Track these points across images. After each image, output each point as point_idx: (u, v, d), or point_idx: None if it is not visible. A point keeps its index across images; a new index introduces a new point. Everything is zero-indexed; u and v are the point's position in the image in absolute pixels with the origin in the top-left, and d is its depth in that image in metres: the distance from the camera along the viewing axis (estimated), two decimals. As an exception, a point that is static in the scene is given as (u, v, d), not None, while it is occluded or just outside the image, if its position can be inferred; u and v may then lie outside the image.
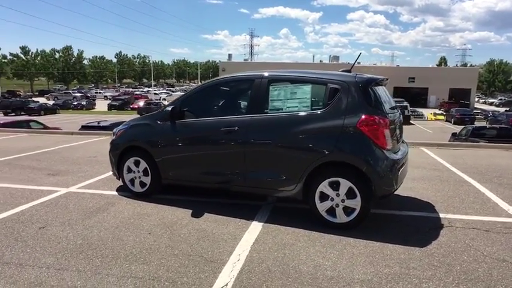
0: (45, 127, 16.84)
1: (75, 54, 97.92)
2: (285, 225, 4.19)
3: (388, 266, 3.31)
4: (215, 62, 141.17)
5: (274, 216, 4.51)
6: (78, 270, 3.18)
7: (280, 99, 4.38)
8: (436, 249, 3.64)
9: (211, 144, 4.68)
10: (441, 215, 4.59)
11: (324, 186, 4.09)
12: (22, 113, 39.81)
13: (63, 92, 74.15)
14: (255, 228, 4.15)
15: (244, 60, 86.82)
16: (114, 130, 5.58)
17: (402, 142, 4.96)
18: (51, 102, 52.72)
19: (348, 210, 4.05)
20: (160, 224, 4.23)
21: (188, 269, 3.23)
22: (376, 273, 3.18)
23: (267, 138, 4.34)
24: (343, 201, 4.04)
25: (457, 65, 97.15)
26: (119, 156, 5.28)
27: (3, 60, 78.81)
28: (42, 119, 26.05)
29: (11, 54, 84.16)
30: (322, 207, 4.13)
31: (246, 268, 3.25)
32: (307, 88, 4.29)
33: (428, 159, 8.14)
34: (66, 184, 5.86)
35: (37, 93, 79.78)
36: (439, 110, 49.80)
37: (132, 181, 5.24)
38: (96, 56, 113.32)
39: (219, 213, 4.57)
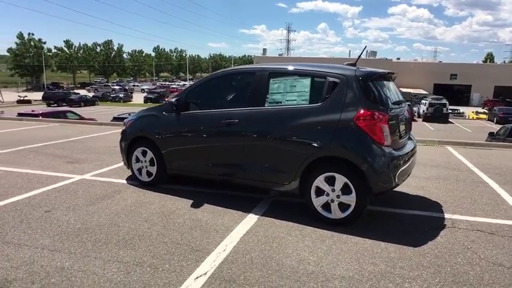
0: (81, 118, 17.61)
1: (115, 48, 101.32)
2: (280, 219, 4.18)
3: (374, 263, 3.24)
4: (251, 56, 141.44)
5: (272, 209, 4.51)
6: (69, 252, 3.33)
7: (280, 93, 4.35)
8: (430, 250, 3.51)
9: (212, 136, 4.73)
10: (446, 216, 4.41)
11: (319, 181, 4.03)
12: (64, 104, 41.78)
13: (103, 84, 77.09)
14: (250, 220, 4.16)
15: (279, 55, 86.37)
16: (125, 120, 5.76)
17: (410, 138, 4.80)
18: (91, 94, 54.94)
19: (343, 206, 3.97)
20: (159, 213, 4.33)
21: (173, 256, 3.30)
22: (360, 270, 3.12)
23: (264, 131, 4.34)
24: (338, 196, 3.97)
25: (504, 62, 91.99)
26: (128, 146, 5.45)
27: (49, 54, 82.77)
28: (80, 110, 27.25)
29: (55, 48, 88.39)
30: (317, 202, 4.09)
31: (229, 258, 3.28)
32: (307, 81, 4.23)
33: (451, 158, 7.81)
34: (82, 171, 6.11)
35: (79, 85, 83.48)
36: (482, 108, 47.50)
37: (139, 170, 5.39)
38: (135, 50, 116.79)
39: (218, 204, 4.62)
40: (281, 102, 4.32)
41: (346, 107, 3.94)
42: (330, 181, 3.99)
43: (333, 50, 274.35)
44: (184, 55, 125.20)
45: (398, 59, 70.30)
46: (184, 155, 4.97)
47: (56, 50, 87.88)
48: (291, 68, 4.44)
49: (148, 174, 5.32)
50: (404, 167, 4.20)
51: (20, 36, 75.53)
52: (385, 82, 4.42)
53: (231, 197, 4.91)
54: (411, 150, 4.52)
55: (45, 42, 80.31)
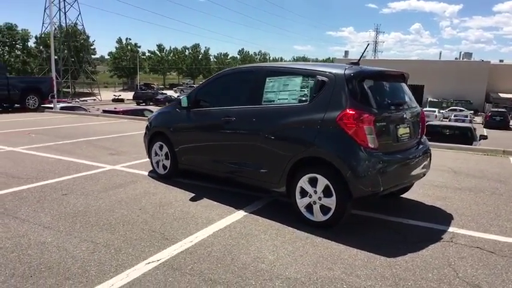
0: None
1: (202, 51, 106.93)
2: (267, 218, 4.17)
3: (330, 269, 3.10)
4: (335, 59, 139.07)
5: (265, 208, 4.52)
6: (57, 230, 3.74)
7: (274, 91, 4.34)
8: (403, 262, 3.25)
9: (213, 133, 4.88)
10: (450, 229, 4.01)
11: (304, 182, 3.95)
12: (151, 103, 45.32)
13: (189, 85, 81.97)
14: (236, 216, 4.23)
15: (363, 57, 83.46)
16: (149, 117, 6.18)
17: (421, 143, 4.44)
18: (176, 95, 58.78)
19: (324, 209, 3.85)
20: (156, 203, 4.60)
21: (141, 242, 3.52)
22: (311, 274, 3.02)
23: (255, 130, 4.36)
24: (320, 199, 3.85)
25: None
26: (149, 140, 5.86)
27: (142, 57, 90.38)
28: (159, 108, 29.23)
29: (149, 51, 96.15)
30: (301, 203, 4.01)
31: (190, 249, 3.39)
32: (298, 80, 4.17)
33: (504, 170, 6.97)
34: (116, 162, 6.69)
35: (168, 86, 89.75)
36: None
37: (157, 163, 5.76)
38: (221, 53, 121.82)
39: (216, 199, 4.75)
40: (274, 101, 4.31)
41: (331, 106, 3.81)
42: (313, 182, 3.89)
43: (427, 52, 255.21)
44: (267, 58, 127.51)
45: (501, 61, 63.12)
46: (190, 150, 5.20)
47: (149, 54, 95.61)
48: (285, 66, 4.41)
49: (164, 167, 5.65)
50: (398, 172, 3.93)
51: (119, 41, 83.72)
52: (385, 82, 4.17)
53: (232, 194, 5.01)
54: (415, 155, 4.19)
55: (140, 46, 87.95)
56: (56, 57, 61.04)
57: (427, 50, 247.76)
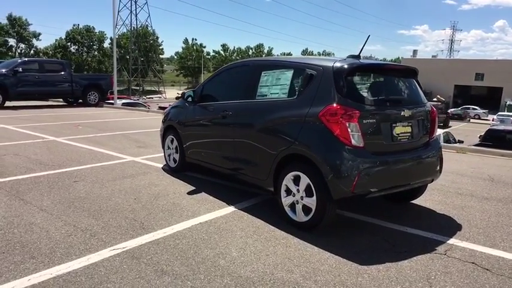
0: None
1: (265, 51, 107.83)
2: (253, 215, 4.08)
3: (291, 272, 2.93)
4: (402, 58, 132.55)
5: (257, 205, 4.42)
6: (50, 213, 3.96)
7: (267, 85, 4.22)
8: (376, 272, 2.97)
9: (213, 128, 4.88)
10: (450, 240, 3.60)
11: (288, 180, 3.80)
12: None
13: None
14: (224, 211, 4.18)
15: (433, 56, 78.48)
16: (165, 111, 6.34)
17: (427, 146, 4.04)
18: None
19: (306, 209, 3.66)
20: (154, 194, 4.70)
21: (118, 229, 3.61)
22: (267, 274, 2.88)
23: (248, 125, 4.28)
24: (302, 198, 3.67)
25: None
26: (162, 134, 6.01)
27: (207, 57, 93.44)
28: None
29: (213, 51, 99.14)
30: (286, 202, 3.85)
31: (159, 240, 3.41)
32: (289, 74, 4.01)
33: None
34: (139, 155, 6.96)
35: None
36: None
37: (169, 157, 5.89)
38: (284, 53, 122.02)
39: (213, 194, 4.74)
40: (266, 96, 4.20)
41: (316, 101, 3.61)
42: (297, 181, 3.72)
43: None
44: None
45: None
46: (194, 144, 5.24)
47: (213, 53, 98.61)
48: (280, 59, 4.26)
49: (174, 161, 5.77)
50: (391, 174, 3.61)
51: (185, 41, 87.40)
52: (383, 77, 3.87)
53: (232, 189, 4.97)
54: (417, 157, 3.83)
55: (205, 47, 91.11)
56: (127, 57, 65.37)
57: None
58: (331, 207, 3.54)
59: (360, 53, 4.00)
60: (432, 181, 4.17)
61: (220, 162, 4.83)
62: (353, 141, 3.41)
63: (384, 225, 3.95)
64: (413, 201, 4.63)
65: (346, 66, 3.60)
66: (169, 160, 5.87)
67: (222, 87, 5.05)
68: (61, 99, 18.24)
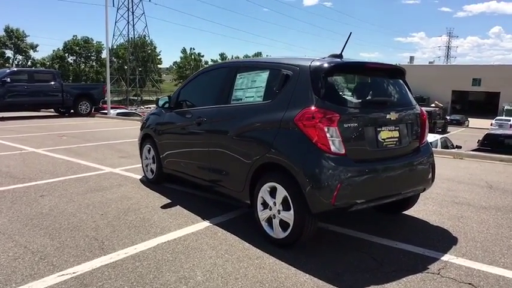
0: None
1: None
2: (229, 231, 3.71)
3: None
4: (401, 64, 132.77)
5: (235, 220, 4.06)
6: (3, 233, 3.58)
7: (242, 89, 3.88)
8: (357, 297, 2.60)
9: (187, 136, 4.54)
10: (444, 257, 3.23)
11: (264, 192, 3.43)
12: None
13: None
14: (197, 227, 3.81)
15: (430, 62, 78.44)
16: (142, 118, 5.99)
17: (418, 152, 3.68)
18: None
19: (283, 224, 3.29)
20: (124, 208, 4.33)
21: (74, 250, 3.23)
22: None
23: (222, 132, 3.94)
24: (279, 212, 3.31)
25: None
26: (140, 143, 5.66)
27: (205, 66, 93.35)
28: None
29: (212, 60, 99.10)
30: (262, 216, 3.49)
31: (117, 262, 3.03)
32: (265, 75, 3.67)
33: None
34: (119, 165, 6.59)
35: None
36: None
37: (147, 167, 5.53)
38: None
39: (189, 207, 4.38)
40: (241, 100, 3.85)
41: (292, 104, 3.26)
42: (274, 193, 3.35)
43: (509, 57, 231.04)
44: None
45: None
46: (171, 154, 4.88)
47: (211, 63, 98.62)
48: (255, 60, 3.94)
49: (152, 171, 5.40)
50: (376, 184, 3.25)
51: (183, 51, 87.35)
52: (367, 77, 3.53)
53: (211, 202, 4.62)
54: (406, 165, 3.48)
55: (203, 56, 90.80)
56: (125, 67, 65.30)
57: (508, 55, 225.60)
58: (311, 221, 3.17)
59: (341, 52, 3.66)
60: (424, 190, 3.81)
61: (197, 173, 4.47)
62: (333, 148, 3.05)
63: (372, 240, 3.57)
64: (405, 212, 4.26)
65: (324, 65, 3.26)
66: (147, 171, 5.51)
67: (199, 92, 4.71)
68: (52, 110, 17.92)
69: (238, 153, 3.69)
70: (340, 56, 3.61)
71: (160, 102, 4.98)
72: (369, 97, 3.44)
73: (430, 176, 3.72)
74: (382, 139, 3.35)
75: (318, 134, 3.04)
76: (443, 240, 3.60)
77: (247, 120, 3.61)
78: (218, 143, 3.96)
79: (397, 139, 3.47)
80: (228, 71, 4.12)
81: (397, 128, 3.48)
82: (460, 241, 3.58)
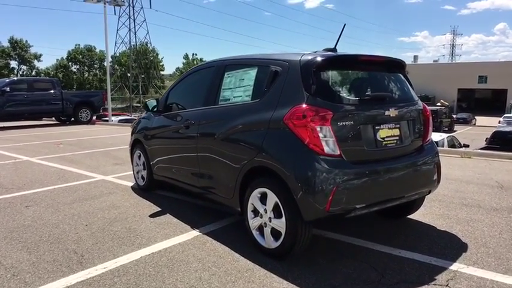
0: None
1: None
2: (219, 241, 3.45)
3: (246, 318, 2.29)
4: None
5: (226, 228, 3.80)
6: (-22, 247, 3.36)
7: (230, 88, 3.64)
8: (356, 314, 2.33)
9: (177, 140, 4.30)
10: (453, 266, 2.94)
11: (254, 198, 3.17)
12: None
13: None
14: (185, 237, 3.56)
15: (434, 61, 77.77)
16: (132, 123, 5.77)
17: (421, 151, 3.41)
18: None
19: (275, 233, 3.03)
20: (110, 218, 4.09)
21: (50, 265, 2.99)
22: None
23: (209, 135, 3.69)
24: (270, 220, 3.04)
25: None
26: (130, 149, 5.43)
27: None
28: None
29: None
30: (253, 224, 3.23)
31: (94, 278, 2.79)
32: (253, 73, 3.43)
33: None
34: (112, 173, 6.37)
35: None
36: None
37: (138, 174, 5.30)
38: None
39: (179, 215, 4.13)
40: (229, 100, 3.61)
41: (282, 103, 3.00)
42: (264, 199, 3.09)
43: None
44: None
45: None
46: (161, 159, 4.64)
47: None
48: (243, 57, 3.69)
49: (143, 178, 5.17)
50: (376, 187, 2.98)
51: (186, 56, 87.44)
52: (363, 71, 3.26)
53: (202, 209, 4.38)
54: (409, 165, 3.21)
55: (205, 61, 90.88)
56: (128, 74, 65.47)
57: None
58: (305, 230, 2.90)
59: (335, 45, 3.41)
60: (429, 192, 3.52)
61: (188, 179, 4.22)
62: (326, 149, 2.79)
63: (373, 247, 3.29)
64: (409, 216, 3.98)
65: (316, 59, 3.00)
66: (138, 178, 5.28)
67: (187, 93, 4.47)
68: (53, 118, 17.82)
69: (226, 157, 3.44)
70: (334, 49, 3.36)
71: (149, 106, 4.74)
72: (366, 93, 3.17)
73: (435, 176, 3.44)
74: (381, 138, 3.08)
75: (309, 134, 2.78)
76: (452, 247, 3.31)
77: (235, 122, 3.36)
78: (206, 147, 3.71)
79: (397, 138, 3.20)
80: (216, 70, 3.88)
81: (398, 126, 3.21)
82: (470, 247, 3.29)
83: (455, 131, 27.83)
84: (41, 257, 3.16)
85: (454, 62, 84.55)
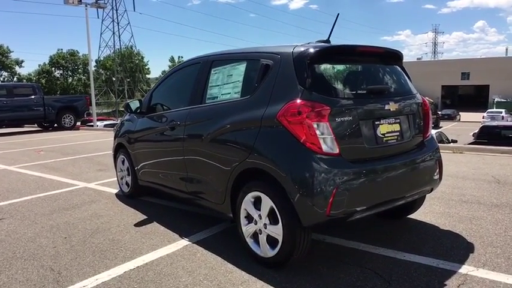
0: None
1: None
2: (210, 250, 3.20)
3: None
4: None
5: (218, 236, 3.55)
6: None
7: (218, 85, 3.39)
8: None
9: (163, 143, 4.03)
10: (462, 269, 2.74)
11: (248, 203, 2.93)
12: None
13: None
14: (173, 247, 3.30)
15: (417, 59, 78.62)
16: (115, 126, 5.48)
17: (422, 147, 3.21)
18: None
19: (271, 241, 2.79)
20: (92, 229, 3.80)
21: (22, 286, 2.70)
22: None
23: (196, 136, 3.44)
24: (265, 226, 2.80)
25: None
26: (114, 154, 5.14)
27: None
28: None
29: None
30: (247, 231, 2.98)
31: (73, 299, 2.51)
32: (242, 68, 3.19)
33: None
34: (95, 180, 6.05)
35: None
36: None
37: (122, 180, 5.01)
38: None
39: (166, 223, 3.87)
40: (217, 98, 3.36)
41: (274, 98, 2.77)
42: (258, 204, 2.85)
43: (494, 50, 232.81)
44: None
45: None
46: (146, 164, 4.36)
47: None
48: (230, 51, 3.45)
49: (127, 184, 4.88)
50: (378, 188, 2.77)
51: (171, 59, 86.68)
52: (360, 63, 3.05)
53: (193, 216, 4.12)
54: (411, 163, 3.00)
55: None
56: (113, 78, 64.55)
57: (494, 48, 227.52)
58: (304, 236, 2.67)
59: (329, 37, 3.20)
60: (431, 190, 3.33)
61: (175, 184, 3.95)
62: (324, 147, 2.56)
63: (376, 251, 3.08)
64: (410, 216, 3.79)
65: (310, 50, 2.77)
66: (122, 184, 4.99)
67: (172, 93, 4.20)
68: (36, 125, 17.28)
69: (215, 159, 3.19)
70: (327, 41, 3.14)
71: (132, 107, 4.45)
72: (364, 86, 2.96)
73: (437, 173, 3.25)
74: (382, 134, 2.87)
75: (305, 132, 2.55)
76: (458, 248, 3.11)
77: (224, 121, 3.11)
78: (194, 149, 3.46)
79: (398, 133, 3.00)
80: (201, 67, 3.63)
81: (398, 121, 3.01)
82: (477, 247, 3.10)
83: (441, 127, 27.99)
84: (12, 276, 2.86)
85: (437, 59, 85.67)
